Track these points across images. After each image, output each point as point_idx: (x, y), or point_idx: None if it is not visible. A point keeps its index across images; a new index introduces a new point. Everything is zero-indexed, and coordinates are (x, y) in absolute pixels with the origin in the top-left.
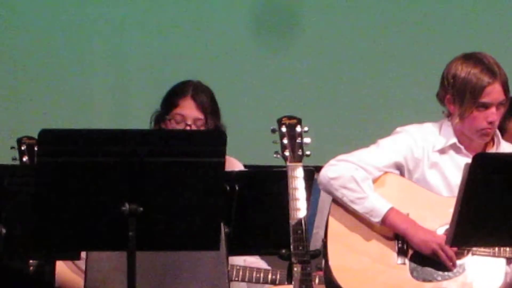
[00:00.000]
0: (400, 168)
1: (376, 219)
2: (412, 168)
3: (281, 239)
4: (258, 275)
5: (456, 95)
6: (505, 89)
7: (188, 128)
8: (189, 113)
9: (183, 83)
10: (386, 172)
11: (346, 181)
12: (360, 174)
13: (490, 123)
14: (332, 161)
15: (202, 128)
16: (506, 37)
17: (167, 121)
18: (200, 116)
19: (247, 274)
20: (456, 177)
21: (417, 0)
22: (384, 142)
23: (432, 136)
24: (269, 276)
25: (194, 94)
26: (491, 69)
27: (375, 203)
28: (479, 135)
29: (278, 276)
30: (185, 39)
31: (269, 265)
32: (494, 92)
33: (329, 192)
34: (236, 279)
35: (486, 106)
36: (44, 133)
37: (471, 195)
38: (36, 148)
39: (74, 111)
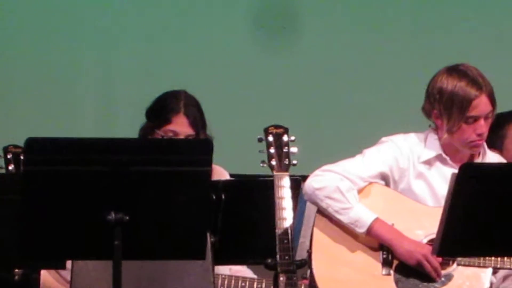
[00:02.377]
0: (385, 178)
1: (361, 230)
2: (397, 178)
3: (267, 249)
4: (243, 284)
5: (443, 110)
6: (492, 100)
7: None
8: (182, 130)
9: (174, 97)
10: (371, 183)
11: (331, 191)
12: (345, 185)
13: (479, 135)
14: (317, 172)
15: None
16: (492, 48)
17: (157, 135)
18: (192, 132)
19: (233, 283)
20: (442, 188)
21: (409, 12)
22: (369, 152)
23: (418, 146)
24: (255, 285)
25: (186, 110)
26: (477, 82)
27: (360, 213)
28: (469, 147)
29: (263, 286)
30: (172, 48)
31: (255, 274)
32: (481, 105)
33: (314, 203)
34: None
35: (474, 119)
36: (31, 141)
37: (457, 205)
38: (22, 157)
39: (61, 119)
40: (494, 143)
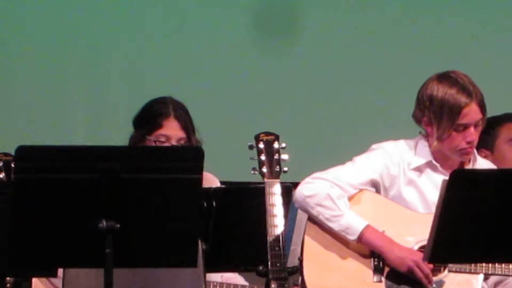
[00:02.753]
0: (376, 186)
1: (352, 237)
2: (388, 185)
3: (258, 256)
4: None
5: (433, 117)
6: (482, 108)
7: None
8: (174, 133)
9: (162, 102)
10: (361, 190)
11: (322, 199)
12: (336, 192)
13: (469, 142)
14: (307, 179)
15: None
16: (484, 57)
17: (148, 142)
18: (183, 135)
19: None
20: (432, 194)
21: (408, 17)
22: (359, 160)
23: (408, 153)
24: None
25: (176, 114)
26: (467, 89)
27: (351, 220)
28: (459, 154)
29: None
30: (160, 56)
31: (246, 281)
32: (471, 113)
33: (305, 210)
34: None
35: (464, 127)
36: (21, 149)
37: (448, 212)
38: (13, 165)
39: (51, 127)
40: (485, 143)
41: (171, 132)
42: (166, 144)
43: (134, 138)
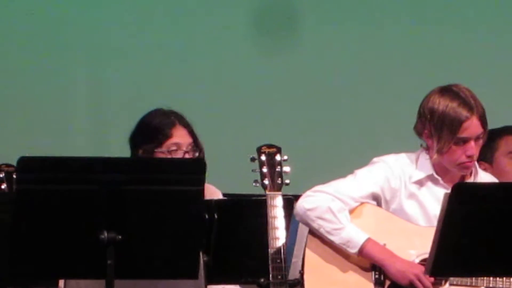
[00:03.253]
0: (377, 199)
1: (353, 250)
2: (389, 198)
3: (260, 268)
4: None
5: (434, 130)
6: (483, 122)
7: (186, 155)
8: (184, 140)
9: (161, 114)
10: (362, 203)
11: (323, 212)
12: (337, 205)
13: (469, 156)
14: (308, 192)
15: (193, 152)
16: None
17: (159, 154)
18: (191, 140)
19: None
20: (434, 208)
21: (410, 17)
22: (360, 173)
23: (409, 167)
24: None
25: (180, 122)
26: (468, 103)
27: (352, 234)
28: (459, 168)
29: None
30: (162, 68)
31: None
32: (472, 127)
33: (306, 223)
34: None
35: (465, 141)
36: (23, 160)
37: (450, 225)
38: (14, 176)
39: (53, 138)
40: (485, 156)
41: (181, 139)
42: (178, 152)
43: (143, 154)
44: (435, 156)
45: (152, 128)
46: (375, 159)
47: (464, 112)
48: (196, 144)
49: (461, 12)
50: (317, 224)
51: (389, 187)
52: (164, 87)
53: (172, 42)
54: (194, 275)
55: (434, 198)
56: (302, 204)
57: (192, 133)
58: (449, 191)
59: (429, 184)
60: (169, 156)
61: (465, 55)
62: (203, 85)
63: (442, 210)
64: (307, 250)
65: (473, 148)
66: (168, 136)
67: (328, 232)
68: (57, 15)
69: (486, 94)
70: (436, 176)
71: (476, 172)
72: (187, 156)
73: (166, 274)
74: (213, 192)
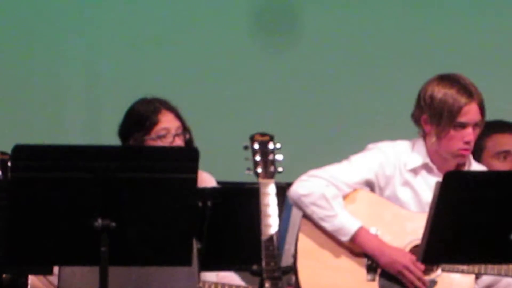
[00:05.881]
0: (371, 185)
1: (345, 238)
2: (383, 185)
3: (252, 255)
4: None
5: (433, 115)
6: (482, 110)
7: (176, 138)
8: (172, 124)
9: (146, 102)
10: (356, 189)
11: (317, 198)
12: (331, 191)
13: (467, 143)
14: (303, 177)
15: (182, 135)
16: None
17: (149, 142)
18: (179, 123)
19: None
20: (427, 196)
21: (408, 17)
22: (355, 159)
23: (404, 154)
24: None
25: (166, 106)
26: (468, 89)
27: (344, 221)
28: (455, 155)
29: None
30: (156, 56)
31: (242, 279)
32: (471, 112)
33: (299, 208)
34: None
35: (463, 126)
36: (18, 148)
37: (442, 213)
38: (9, 164)
39: (48, 126)
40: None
41: (169, 124)
42: (168, 137)
43: (133, 143)
44: (433, 139)
45: (138, 117)
46: (370, 146)
47: (463, 98)
48: (184, 127)
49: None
50: (310, 210)
51: (383, 174)
52: (159, 75)
53: (168, 33)
54: (187, 262)
55: (428, 186)
56: (296, 189)
57: (178, 116)
58: (438, 180)
59: (424, 173)
60: (159, 142)
61: (464, 43)
62: (197, 73)
63: (433, 198)
64: (301, 234)
65: (471, 134)
66: (156, 122)
67: (321, 219)
68: (53, 4)
69: (485, 84)
70: (431, 164)
71: (470, 164)
72: (177, 139)
73: (160, 261)
74: (207, 180)
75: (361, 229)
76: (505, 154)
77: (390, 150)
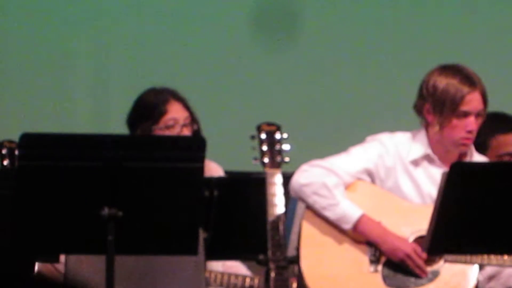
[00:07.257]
0: (371, 175)
1: (347, 226)
2: (383, 176)
3: (259, 245)
4: (235, 281)
5: (436, 104)
6: (484, 99)
7: (184, 129)
8: (180, 115)
9: (154, 92)
10: (358, 179)
11: (318, 187)
12: (332, 180)
13: (469, 132)
14: (304, 167)
15: (190, 126)
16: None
17: (157, 131)
18: (187, 114)
19: (225, 279)
20: (428, 187)
21: (408, 14)
22: (355, 150)
23: (405, 145)
24: (247, 282)
25: (174, 96)
26: (471, 79)
27: (346, 209)
28: (458, 144)
29: (256, 282)
30: (167, 47)
31: (249, 269)
32: (474, 101)
33: (301, 198)
34: (214, 284)
35: (466, 115)
36: (25, 137)
37: (448, 204)
38: (17, 152)
39: (55, 115)
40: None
41: (177, 114)
42: (176, 127)
43: (141, 133)
44: (436, 128)
45: (147, 107)
46: (368, 138)
47: (466, 87)
48: (192, 117)
49: None
50: (312, 199)
51: (383, 165)
52: (165, 68)
53: (176, 23)
54: (194, 251)
55: (429, 178)
56: (297, 179)
57: (187, 107)
58: (445, 170)
59: (425, 164)
60: (167, 132)
61: (463, 40)
62: (205, 64)
63: (440, 189)
64: (304, 223)
65: (474, 124)
66: (164, 112)
67: (323, 208)
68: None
69: (485, 78)
70: (432, 155)
71: (472, 154)
72: (185, 129)
73: (166, 250)
74: (214, 169)
75: (363, 216)
76: (509, 157)
77: (389, 141)
